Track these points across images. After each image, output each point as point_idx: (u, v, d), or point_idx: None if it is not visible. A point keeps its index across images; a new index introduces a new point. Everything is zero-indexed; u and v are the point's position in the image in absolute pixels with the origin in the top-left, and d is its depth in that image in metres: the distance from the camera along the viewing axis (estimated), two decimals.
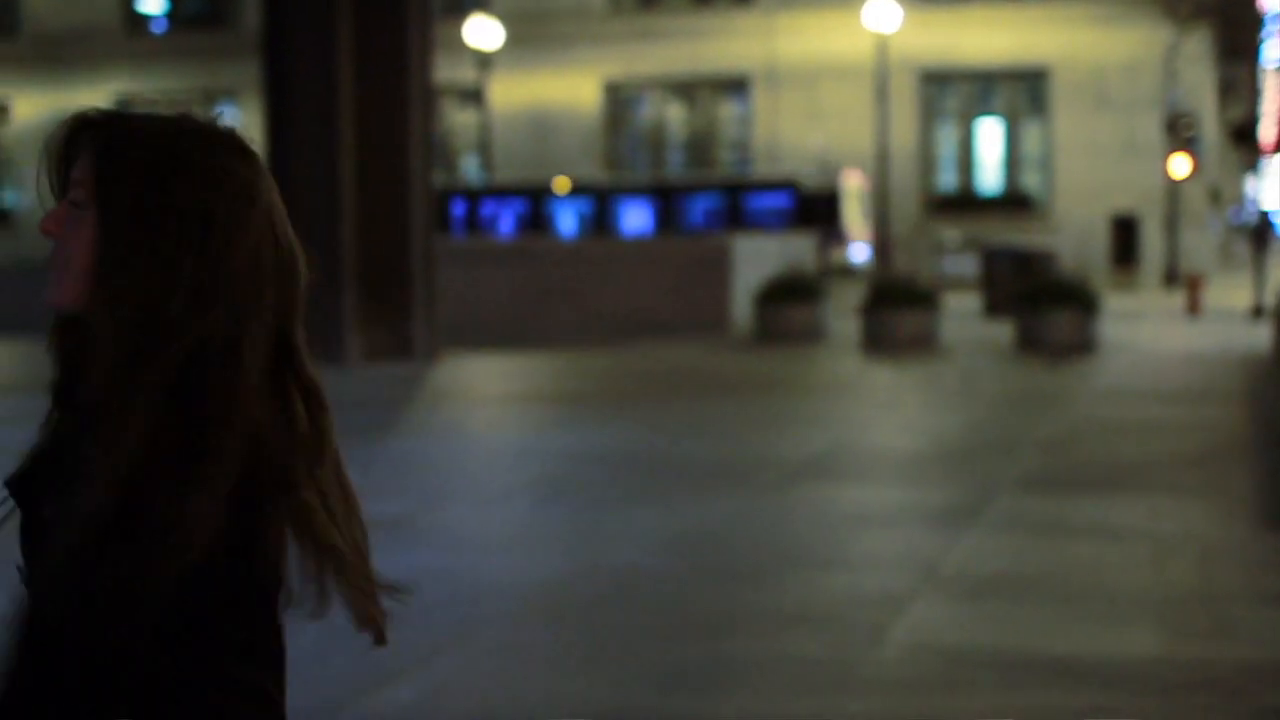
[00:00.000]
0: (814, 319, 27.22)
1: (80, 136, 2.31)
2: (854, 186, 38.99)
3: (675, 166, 48.91)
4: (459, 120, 49.35)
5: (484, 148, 47.18)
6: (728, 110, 49.02)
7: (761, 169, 47.03)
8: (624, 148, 49.36)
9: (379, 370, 22.29)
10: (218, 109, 2.38)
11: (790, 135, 47.03)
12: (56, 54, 49.99)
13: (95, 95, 49.86)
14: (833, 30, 46.20)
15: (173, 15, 50.89)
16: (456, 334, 25.05)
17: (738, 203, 37.27)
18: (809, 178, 40.08)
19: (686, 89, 48.93)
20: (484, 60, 44.18)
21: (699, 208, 37.57)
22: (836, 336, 26.71)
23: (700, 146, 49.22)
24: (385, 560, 8.19)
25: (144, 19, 51.05)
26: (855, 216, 37.47)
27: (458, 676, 7.81)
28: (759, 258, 30.58)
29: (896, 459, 14.69)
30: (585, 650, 8.22)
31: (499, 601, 9.26)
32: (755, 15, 47.40)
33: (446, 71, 36.16)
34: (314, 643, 8.36)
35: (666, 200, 37.31)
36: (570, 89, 48.32)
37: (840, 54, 46.12)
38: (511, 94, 47.30)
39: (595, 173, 47.18)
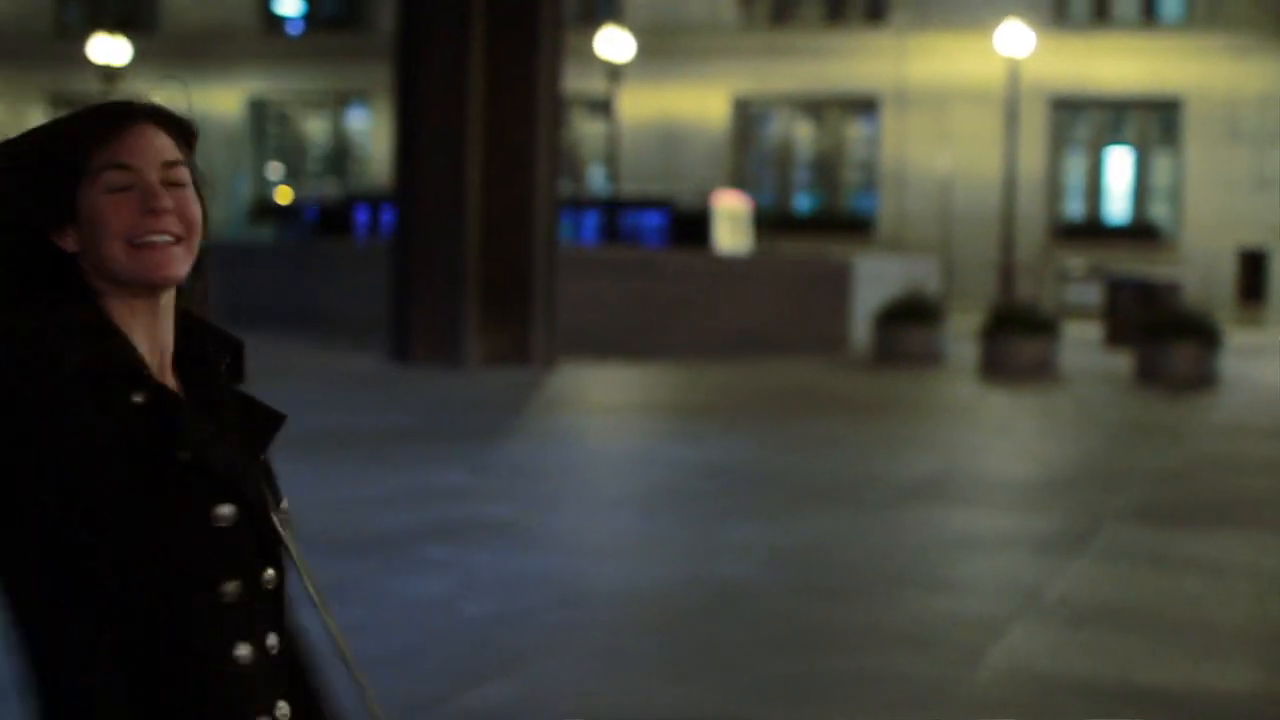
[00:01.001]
0: (933, 341, 27.19)
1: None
2: (729, 208, 40.16)
3: (802, 185, 48.94)
4: (587, 130, 49.60)
5: (611, 159, 47.40)
6: (856, 130, 48.97)
7: (887, 191, 46.97)
8: (751, 164, 49.43)
9: (496, 375, 22.50)
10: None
11: (918, 157, 46.95)
12: (193, 51, 50.65)
13: (230, 94, 50.53)
14: (964, 53, 46.07)
15: (309, 16, 51.48)
16: (574, 342, 25.22)
17: (616, 219, 38.73)
18: (683, 198, 41.11)
19: (815, 107, 48.93)
20: (614, 71, 44.39)
21: (584, 222, 38.94)
22: (955, 360, 26.67)
23: (827, 166, 49.21)
24: (494, 562, 8.42)
25: (280, 19, 51.67)
26: (726, 235, 38.80)
27: (558, 678, 7.94)
28: (879, 279, 30.57)
29: (1007, 484, 14.70)
30: (685, 658, 8.33)
31: (603, 607, 9.39)
32: (887, 35, 47.34)
33: (576, 81, 36.38)
34: (414, 637, 8.55)
35: None
36: (699, 103, 48.45)
37: (971, 77, 45.98)
38: (641, 106, 47.49)
39: (719, 186, 47.33)
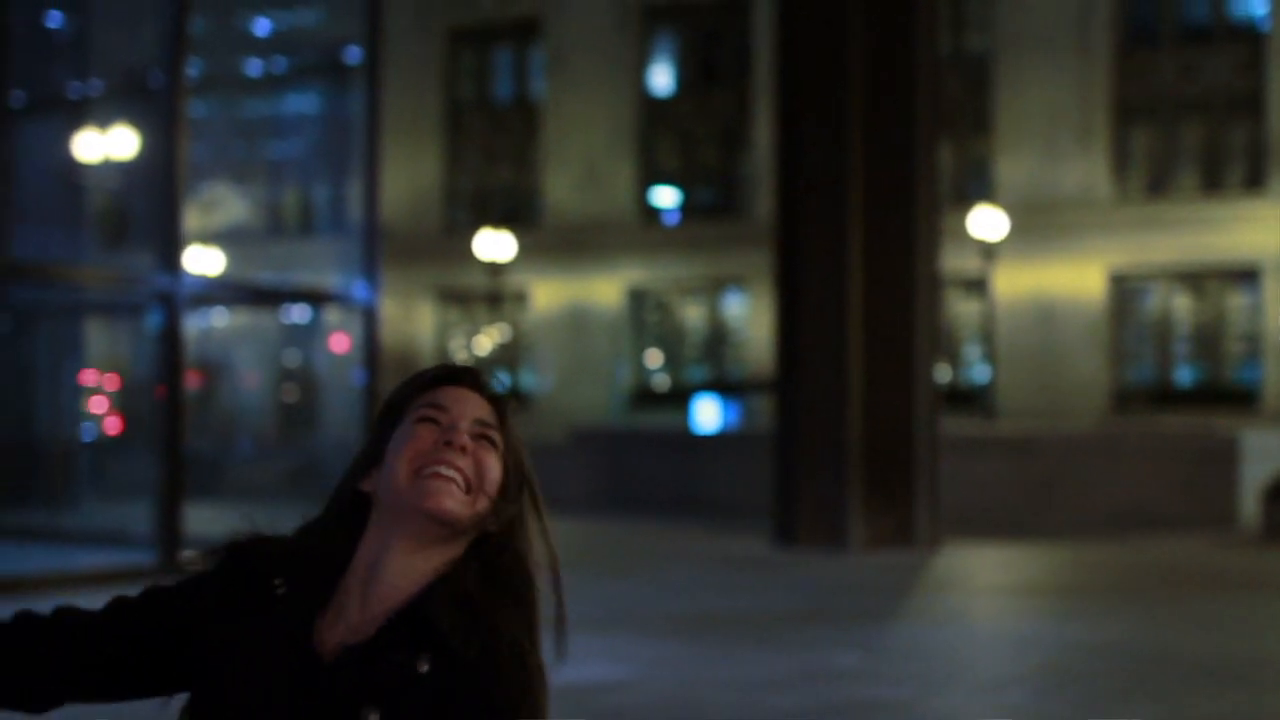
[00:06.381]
0: None
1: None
2: None
3: (1182, 358, 48.25)
4: (962, 309, 49.69)
5: (987, 338, 47.42)
6: (1237, 300, 48.20)
7: (1271, 362, 46.08)
8: (1129, 339, 48.95)
9: (880, 558, 22.67)
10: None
11: None
12: (574, 243, 52.15)
13: (608, 284, 51.87)
14: None
15: (685, 207, 52.63)
16: (953, 521, 25.27)
17: None
18: None
19: (1194, 279, 48.31)
20: (988, 250, 44.51)
21: None
22: None
23: (1208, 338, 48.48)
24: None
25: (658, 211, 52.92)
26: None
27: None
28: (1266, 452, 30.01)
29: None
30: None
31: None
32: (1268, 203, 46.59)
33: (950, 261, 36.59)
34: None
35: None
36: (1075, 278, 48.19)
37: None
38: (1015, 283, 47.44)
39: (1098, 367, 46.91)
